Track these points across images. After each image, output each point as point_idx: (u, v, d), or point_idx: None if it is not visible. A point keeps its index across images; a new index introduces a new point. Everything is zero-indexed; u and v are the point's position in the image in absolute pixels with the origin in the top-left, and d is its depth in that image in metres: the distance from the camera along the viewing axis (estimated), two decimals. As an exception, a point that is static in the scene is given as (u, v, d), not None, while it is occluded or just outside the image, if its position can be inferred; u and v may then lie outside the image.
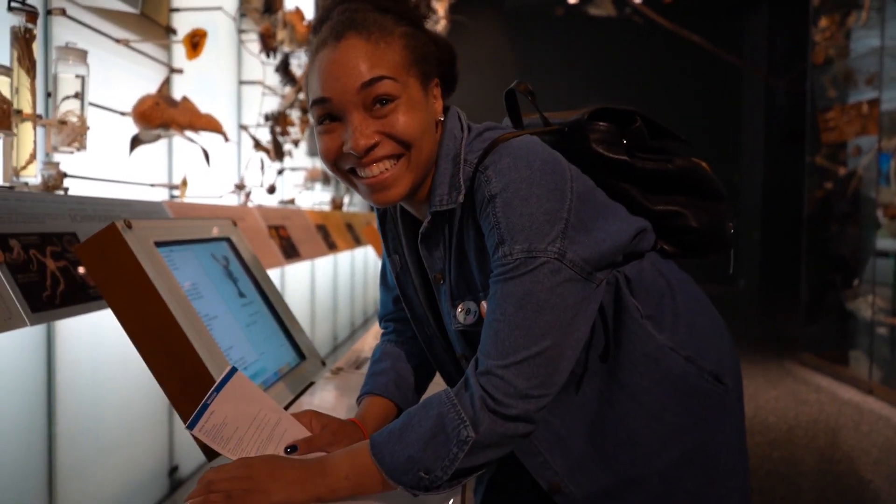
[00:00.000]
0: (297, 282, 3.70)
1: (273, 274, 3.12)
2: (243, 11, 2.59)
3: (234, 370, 0.82)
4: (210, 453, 0.83)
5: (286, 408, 1.06)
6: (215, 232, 1.18)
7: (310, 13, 3.59)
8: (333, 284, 4.59)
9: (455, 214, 0.92)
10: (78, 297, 1.05)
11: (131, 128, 1.73)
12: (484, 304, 0.92)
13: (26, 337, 1.45)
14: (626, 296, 0.93)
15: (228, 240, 1.22)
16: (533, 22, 9.66)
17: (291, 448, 0.88)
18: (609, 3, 6.91)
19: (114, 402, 1.78)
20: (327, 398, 1.20)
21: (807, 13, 5.53)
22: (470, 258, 0.93)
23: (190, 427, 0.79)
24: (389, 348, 1.14)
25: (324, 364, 1.27)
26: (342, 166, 0.91)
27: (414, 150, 0.89)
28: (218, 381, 0.81)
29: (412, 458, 0.80)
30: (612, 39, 9.84)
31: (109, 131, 1.74)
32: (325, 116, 0.90)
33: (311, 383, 1.19)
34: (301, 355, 1.22)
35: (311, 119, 0.93)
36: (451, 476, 0.80)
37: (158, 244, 0.93)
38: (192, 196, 2.13)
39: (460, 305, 0.95)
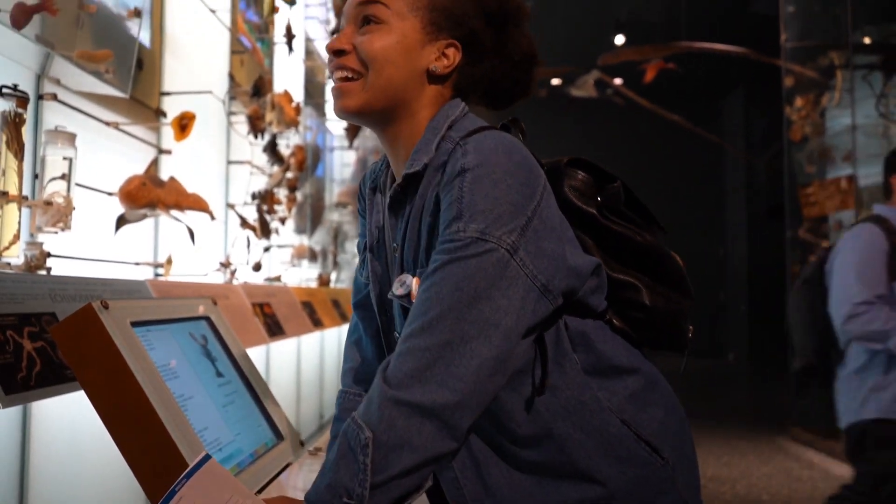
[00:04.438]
0: (283, 359, 3.67)
1: (259, 351, 3.10)
2: (233, 94, 2.66)
3: (207, 457, 0.81)
4: (179, 540, 0.81)
5: (260, 490, 1.04)
6: (194, 311, 1.18)
7: (298, 95, 3.69)
8: (320, 362, 4.55)
9: (420, 182, 0.91)
10: (54, 379, 1.04)
11: (118, 208, 1.75)
12: (416, 281, 0.89)
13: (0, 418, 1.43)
14: (566, 342, 0.90)
15: (208, 318, 1.22)
16: (517, 103, 9.94)
17: None
18: (591, 85, 7.14)
19: (90, 487, 1.74)
20: (304, 480, 1.18)
21: (780, 94, 5.74)
22: (422, 231, 0.90)
23: (157, 512, 0.78)
24: (350, 402, 1.12)
25: (302, 444, 1.26)
26: (329, 73, 0.98)
27: (371, 73, 0.92)
28: (190, 466, 0.80)
29: (331, 485, 0.76)
30: (594, 120, 10.13)
31: (97, 211, 1.76)
32: (339, 29, 1.00)
33: (288, 464, 1.17)
34: (279, 436, 1.21)
35: None
36: (371, 492, 0.74)
37: (135, 324, 0.94)
38: (177, 274, 2.14)
39: (399, 276, 0.92)
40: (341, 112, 0.96)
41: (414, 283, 0.89)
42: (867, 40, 5.32)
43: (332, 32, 3.46)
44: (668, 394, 0.98)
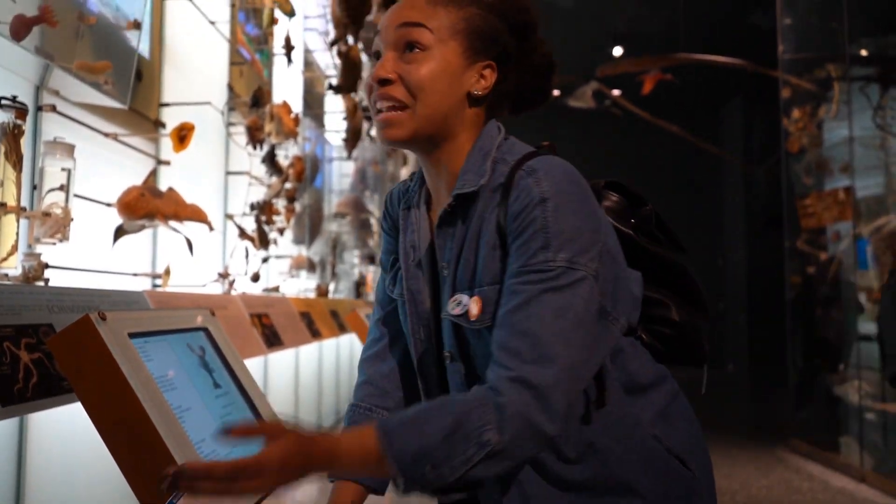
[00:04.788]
0: (282, 370, 3.66)
1: (257, 362, 3.09)
2: (232, 105, 2.67)
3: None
4: (174, 555, 0.81)
5: (258, 503, 1.03)
6: (192, 322, 1.18)
7: (297, 106, 3.70)
8: (318, 373, 4.54)
9: (476, 204, 0.93)
10: (51, 390, 1.04)
11: (117, 219, 1.75)
12: (473, 300, 0.91)
13: (-3, 430, 1.42)
14: (608, 360, 0.93)
15: (206, 330, 1.22)
16: (515, 113, 9.95)
17: None
18: (589, 96, 7.17)
19: (87, 499, 1.73)
20: (302, 491, 1.17)
21: (778, 105, 5.76)
22: (480, 252, 0.92)
23: (154, 526, 0.77)
24: (360, 416, 1.09)
25: (300, 456, 1.25)
26: (372, 101, 0.97)
27: (419, 104, 0.92)
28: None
29: (424, 448, 0.76)
30: (593, 131, 10.15)
31: (95, 222, 1.76)
32: (375, 52, 0.97)
33: (286, 476, 1.17)
34: (276, 447, 1.20)
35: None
36: (455, 479, 0.77)
37: (133, 335, 0.94)
38: (175, 285, 2.13)
39: (454, 296, 0.94)
40: (389, 141, 0.96)
41: (472, 302, 0.91)
42: (864, 52, 5.35)
43: (332, 44, 3.47)
44: (688, 407, 1.03)
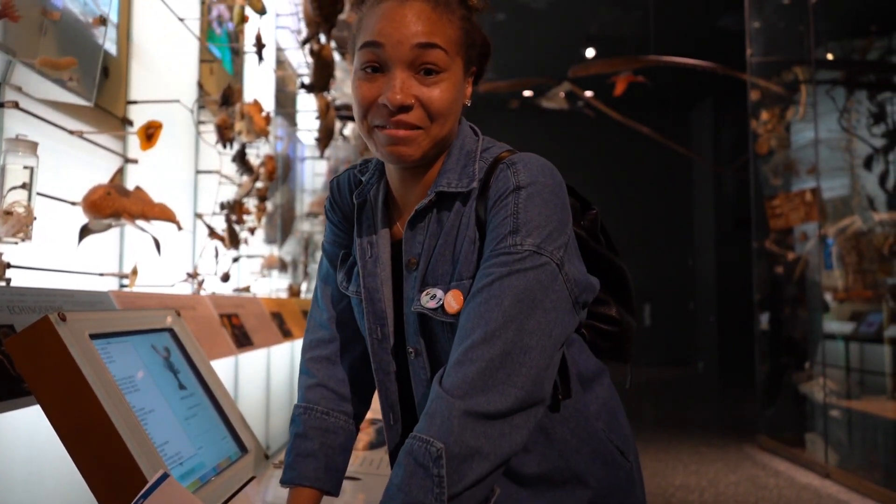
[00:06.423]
0: (253, 371, 3.63)
1: (228, 363, 3.07)
2: (201, 104, 2.64)
3: (165, 476, 0.79)
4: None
5: (223, 505, 1.03)
6: (157, 323, 1.17)
7: (268, 105, 3.67)
8: (290, 373, 4.51)
9: (456, 201, 0.94)
10: (11, 392, 1.02)
11: (82, 218, 1.72)
12: (452, 294, 0.91)
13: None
14: (565, 351, 0.95)
15: (171, 330, 1.20)
16: (489, 114, 10.01)
17: None
18: (561, 97, 7.21)
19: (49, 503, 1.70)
20: (273, 493, 1.17)
21: (747, 107, 5.83)
22: (458, 247, 0.92)
23: (114, 531, 0.76)
24: (317, 420, 1.05)
25: (267, 457, 1.25)
26: (371, 119, 0.92)
27: (436, 125, 0.91)
28: (147, 486, 0.78)
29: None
30: (565, 131, 10.21)
31: (60, 221, 1.73)
32: (371, 63, 0.91)
33: (252, 478, 1.16)
34: (243, 448, 1.19)
35: (354, 62, 0.95)
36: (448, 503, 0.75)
37: (95, 336, 0.92)
38: (143, 285, 2.11)
39: (427, 290, 0.93)
40: (401, 160, 0.93)
41: (451, 296, 0.91)
42: (830, 56, 5.45)
43: (304, 42, 3.45)
44: (619, 400, 1.07)
